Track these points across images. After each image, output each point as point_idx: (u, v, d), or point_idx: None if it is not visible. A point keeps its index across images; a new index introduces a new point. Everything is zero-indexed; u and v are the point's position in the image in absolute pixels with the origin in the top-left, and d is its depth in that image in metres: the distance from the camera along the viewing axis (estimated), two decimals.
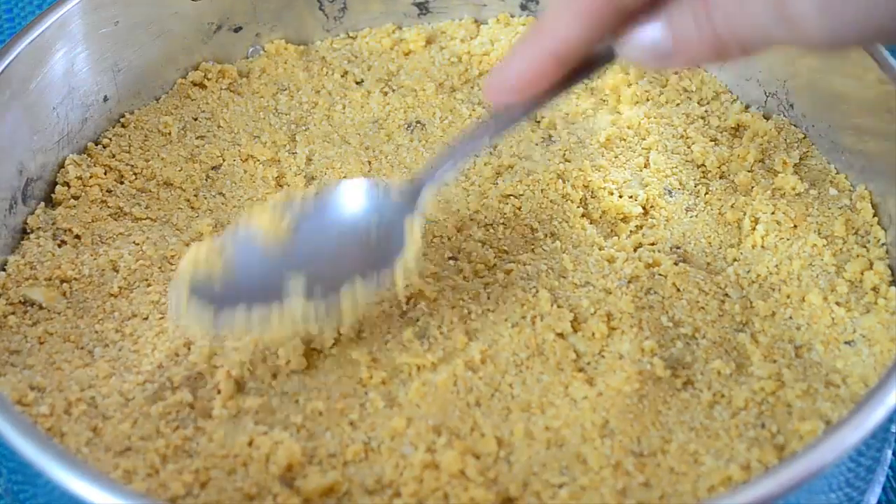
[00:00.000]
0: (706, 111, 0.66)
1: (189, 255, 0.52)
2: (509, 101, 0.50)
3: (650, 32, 0.46)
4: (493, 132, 0.52)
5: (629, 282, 0.57)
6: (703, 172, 0.62)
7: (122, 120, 0.66)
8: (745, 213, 0.60)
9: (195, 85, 0.68)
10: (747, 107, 0.66)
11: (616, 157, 0.63)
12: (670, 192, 0.62)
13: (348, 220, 0.54)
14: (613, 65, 0.50)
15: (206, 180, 0.64)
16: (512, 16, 0.72)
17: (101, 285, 0.57)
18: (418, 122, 0.66)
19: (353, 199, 0.54)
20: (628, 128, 0.65)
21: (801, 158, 0.63)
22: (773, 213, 0.59)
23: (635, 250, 0.59)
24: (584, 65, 0.49)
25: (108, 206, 0.61)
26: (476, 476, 0.49)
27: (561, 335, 0.54)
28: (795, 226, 0.59)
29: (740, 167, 0.62)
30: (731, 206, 0.60)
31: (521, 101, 0.50)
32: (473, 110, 0.66)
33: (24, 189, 0.61)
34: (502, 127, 0.52)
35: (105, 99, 0.66)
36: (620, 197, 0.61)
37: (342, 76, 0.69)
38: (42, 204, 0.62)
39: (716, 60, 0.46)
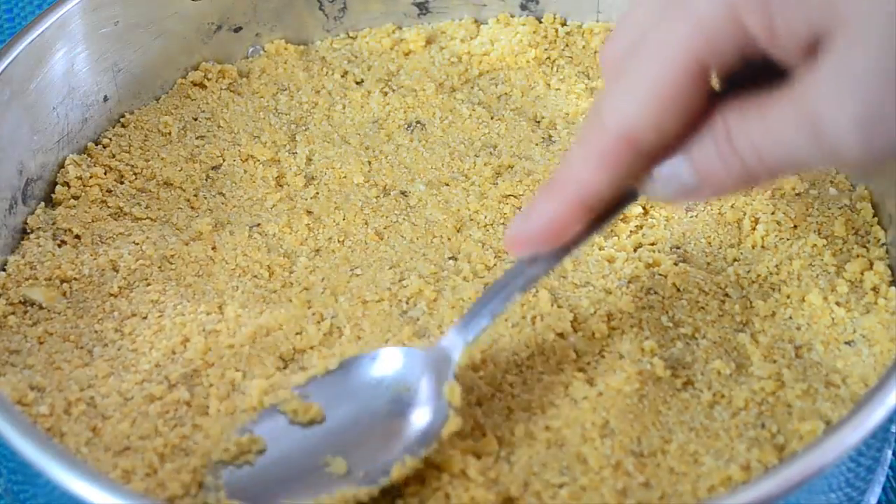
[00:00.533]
0: None
1: (214, 453, 0.49)
2: (535, 252, 0.48)
3: (674, 171, 0.44)
4: (521, 285, 0.50)
5: (629, 282, 0.57)
6: None
7: (122, 120, 0.67)
8: (745, 213, 0.60)
9: (195, 85, 0.68)
10: None
11: None
12: None
13: (381, 394, 0.51)
14: (637, 201, 0.48)
15: (206, 180, 0.64)
16: (512, 16, 0.72)
17: (101, 285, 0.57)
18: (418, 122, 0.66)
19: (381, 370, 0.52)
20: None
21: None
22: (773, 213, 0.59)
23: (635, 250, 0.59)
24: (610, 207, 0.47)
25: (108, 206, 0.61)
26: (477, 476, 0.49)
27: (561, 335, 0.54)
28: (795, 226, 0.59)
29: None
30: (731, 206, 0.60)
31: (547, 251, 0.48)
32: (473, 110, 0.66)
33: (24, 189, 0.61)
34: (530, 280, 0.50)
35: (105, 99, 0.66)
36: None
37: (342, 76, 0.69)
38: (42, 204, 0.62)
39: (743, 188, 0.44)
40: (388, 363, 0.52)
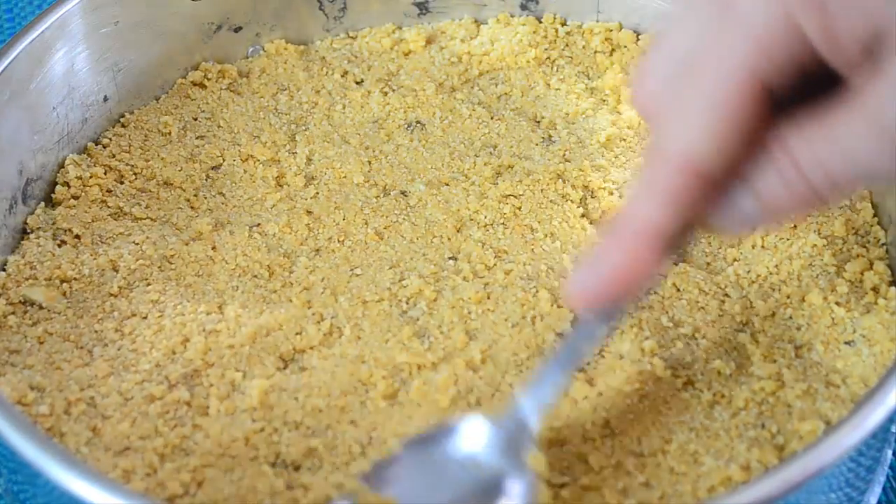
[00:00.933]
0: None
1: None
2: (606, 302, 0.45)
3: (735, 202, 0.42)
4: (588, 343, 0.48)
5: None
6: None
7: (122, 120, 0.67)
8: None
9: (195, 85, 0.68)
10: None
11: (616, 157, 0.63)
12: None
13: (456, 477, 0.47)
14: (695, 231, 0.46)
15: (206, 180, 0.64)
16: (512, 16, 0.72)
17: (101, 285, 0.57)
18: (418, 122, 0.66)
19: (451, 449, 0.48)
20: (628, 128, 0.65)
21: None
22: None
23: None
24: (673, 245, 0.45)
25: (108, 206, 0.61)
26: None
27: (561, 335, 0.54)
28: (795, 226, 0.59)
29: None
30: None
31: (616, 300, 0.45)
32: (473, 110, 0.66)
33: (24, 189, 0.61)
34: (595, 335, 0.48)
35: (105, 99, 0.66)
36: (620, 197, 0.61)
37: (342, 76, 0.69)
38: (42, 204, 0.62)
39: (805, 212, 0.42)
40: (457, 440, 0.49)
